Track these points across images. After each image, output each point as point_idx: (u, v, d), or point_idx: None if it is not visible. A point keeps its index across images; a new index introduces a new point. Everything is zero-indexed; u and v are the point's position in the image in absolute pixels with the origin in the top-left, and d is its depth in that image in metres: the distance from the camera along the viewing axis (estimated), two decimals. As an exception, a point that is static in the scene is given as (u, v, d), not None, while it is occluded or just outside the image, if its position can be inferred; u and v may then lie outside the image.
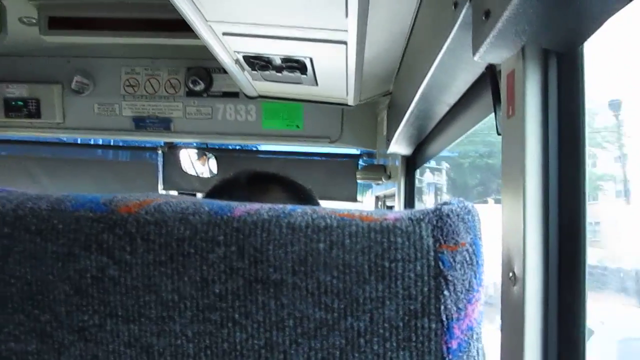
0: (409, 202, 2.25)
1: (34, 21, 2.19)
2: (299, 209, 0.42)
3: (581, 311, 0.74)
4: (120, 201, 0.43)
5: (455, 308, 0.40)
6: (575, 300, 0.74)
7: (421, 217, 0.41)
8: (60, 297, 0.42)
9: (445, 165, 4.13)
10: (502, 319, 0.83)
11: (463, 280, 0.40)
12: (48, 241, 0.42)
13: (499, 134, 1.00)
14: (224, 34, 1.64)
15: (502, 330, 0.83)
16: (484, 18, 0.75)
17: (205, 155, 2.97)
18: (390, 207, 2.67)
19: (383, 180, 2.64)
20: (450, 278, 0.40)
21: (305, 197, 0.92)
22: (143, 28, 2.13)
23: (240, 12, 1.49)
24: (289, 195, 0.90)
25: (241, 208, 0.42)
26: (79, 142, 3.35)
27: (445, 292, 0.40)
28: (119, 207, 0.42)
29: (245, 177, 0.90)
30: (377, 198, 2.98)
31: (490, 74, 1.03)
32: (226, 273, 0.40)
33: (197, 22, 1.54)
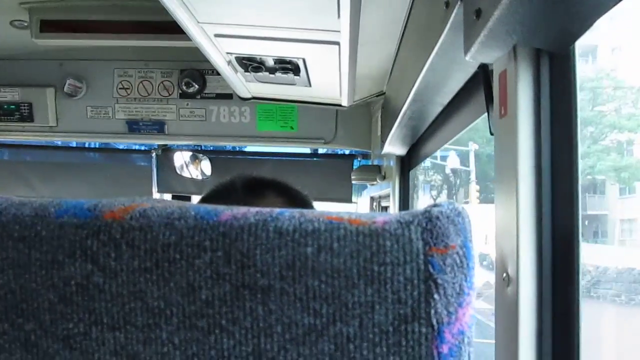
0: (404, 202, 2.25)
1: (26, 24, 2.18)
2: (287, 212, 0.41)
3: (575, 312, 0.73)
4: (105, 207, 0.42)
5: (445, 312, 0.39)
6: (570, 300, 0.74)
7: (410, 219, 0.40)
8: (45, 305, 0.41)
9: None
10: (495, 319, 0.83)
11: (453, 283, 0.39)
12: (32, 248, 0.41)
13: (491, 134, 1.00)
14: (216, 35, 1.64)
15: (496, 331, 0.82)
16: (475, 18, 0.75)
17: (200, 157, 2.96)
18: (386, 208, 2.66)
19: (378, 180, 2.64)
20: (440, 282, 0.39)
21: (301, 202, 0.92)
22: (135, 30, 2.12)
23: (232, 14, 1.48)
24: (284, 200, 0.90)
25: (228, 212, 0.41)
26: (72, 145, 3.33)
27: (436, 296, 0.39)
28: (103, 213, 0.42)
29: (241, 182, 0.90)
30: (372, 199, 2.98)
31: (483, 74, 1.03)
32: (213, 279, 0.40)
33: (188, 24, 1.54)
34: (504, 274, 0.79)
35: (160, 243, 0.40)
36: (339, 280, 0.39)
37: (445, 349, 0.39)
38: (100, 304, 0.40)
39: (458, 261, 0.40)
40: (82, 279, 0.41)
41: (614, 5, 0.62)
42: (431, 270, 0.39)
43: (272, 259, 0.39)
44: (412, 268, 0.39)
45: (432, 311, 0.39)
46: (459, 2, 0.85)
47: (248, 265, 0.39)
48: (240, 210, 0.42)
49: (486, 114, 1.05)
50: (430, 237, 0.39)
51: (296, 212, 0.42)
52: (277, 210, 0.42)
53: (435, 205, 0.41)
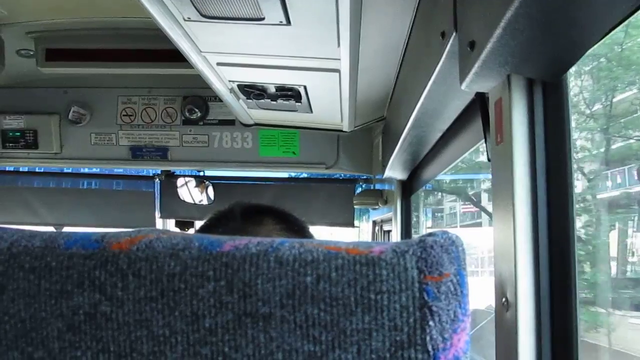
0: (406, 226, 2.26)
1: (32, 53, 2.22)
2: (287, 242, 0.43)
3: (574, 336, 0.74)
4: (112, 238, 0.44)
5: (441, 338, 0.40)
6: (568, 324, 0.75)
7: (405, 249, 0.42)
8: (54, 334, 0.42)
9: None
10: (496, 344, 0.83)
11: (448, 310, 0.41)
12: (42, 278, 0.43)
13: (489, 159, 1.02)
14: (218, 64, 1.67)
15: (496, 355, 0.83)
16: (469, 49, 0.77)
17: (203, 183, 2.98)
18: (388, 232, 2.67)
19: (380, 205, 2.65)
20: (435, 309, 0.40)
21: (299, 228, 0.93)
22: (139, 59, 2.16)
23: (234, 43, 1.51)
24: (283, 227, 0.91)
25: (230, 243, 0.43)
26: (76, 171, 3.36)
27: (431, 323, 0.40)
28: (111, 244, 0.43)
29: (240, 210, 0.91)
30: (375, 223, 2.99)
31: (480, 102, 1.05)
32: (216, 307, 0.41)
33: (191, 53, 1.57)
34: (503, 299, 0.80)
35: (166, 273, 0.42)
36: (337, 308, 0.40)
37: None
38: (108, 332, 0.42)
39: (452, 288, 0.41)
40: (90, 308, 0.42)
41: (603, 37, 0.65)
42: (426, 297, 0.40)
43: (273, 288, 0.41)
44: (407, 296, 0.40)
45: (428, 337, 0.40)
46: (454, 33, 0.87)
47: (250, 294, 0.41)
48: (242, 240, 0.43)
49: (483, 140, 1.07)
50: (424, 265, 0.41)
51: (296, 242, 0.43)
52: (277, 240, 0.43)
53: (430, 235, 0.43)
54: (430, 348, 0.40)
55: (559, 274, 0.75)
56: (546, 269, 0.76)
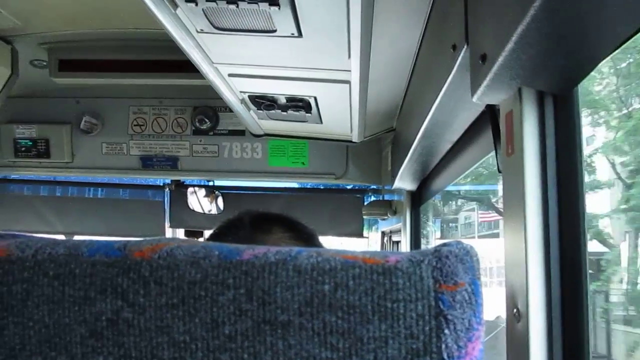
0: (415, 237, 2.26)
1: (45, 64, 2.25)
2: (304, 251, 0.44)
3: (585, 347, 0.74)
4: (134, 246, 0.45)
5: (456, 346, 0.41)
6: (579, 335, 0.75)
7: (421, 258, 0.43)
8: (77, 340, 0.43)
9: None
10: (507, 355, 0.84)
11: (463, 319, 0.42)
12: (65, 285, 0.44)
13: (499, 171, 1.02)
14: (230, 75, 1.68)
15: (507, 366, 0.83)
16: (480, 62, 0.78)
17: (212, 192, 3.00)
18: (397, 242, 2.68)
19: (389, 215, 2.66)
20: (450, 317, 0.41)
21: (307, 236, 0.93)
22: (150, 69, 2.18)
23: (245, 54, 1.53)
24: (291, 235, 0.91)
25: (249, 251, 0.44)
26: (87, 180, 3.38)
27: (446, 331, 0.41)
28: (132, 252, 0.44)
29: (249, 218, 0.92)
30: (384, 233, 2.99)
31: (490, 113, 1.06)
32: (235, 315, 0.42)
33: (203, 64, 1.58)
34: (515, 310, 0.80)
35: (186, 281, 0.43)
36: (354, 316, 0.41)
37: None
38: (129, 339, 0.43)
39: (467, 298, 0.42)
40: (112, 315, 0.43)
41: (614, 51, 0.65)
42: (441, 306, 0.41)
43: (292, 296, 0.42)
44: (423, 304, 0.41)
45: (443, 346, 0.41)
46: (465, 46, 0.88)
47: (269, 301, 0.42)
48: (260, 249, 0.44)
49: (494, 151, 1.08)
50: (440, 275, 0.42)
51: (313, 251, 0.44)
52: (295, 249, 0.44)
53: (444, 245, 0.44)
54: (445, 356, 0.41)
55: (570, 285, 0.76)
56: (557, 280, 0.77)
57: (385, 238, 2.96)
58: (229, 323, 0.42)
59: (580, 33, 0.64)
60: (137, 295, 0.43)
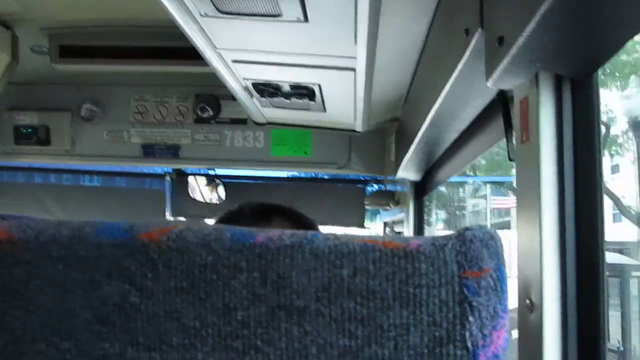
0: (418, 228, 2.25)
1: (45, 50, 2.22)
2: (321, 235, 0.42)
3: (601, 339, 0.73)
4: (142, 228, 0.43)
5: (480, 335, 0.39)
6: (595, 328, 0.73)
7: (444, 242, 0.40)
8: (81, 325, 0.41)
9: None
10: (519, 348, 0.82)
11: (488, 306, 0.40)
12: (70, 268, 0.42)
13: (510, 159, 1.00)
14: (234, 61, 1.66)
15: (519, 358, 0.82)
16: (497, 45, 0.75)
17: (214, 182, 2.98)
18: (399, 234, 2.66)
19: (391, 206, 2.64)
20: (475, 304, 0.39)
21: (308, 226, 0.95)
22: (152, 56, 2.16)
23: (250, 40, 1.50)
24: (292, 225, 0.93)
25: (263, 234, 0.42)
26: (87, 168, 3.36)
27: (471, 319, 0.39)
28: (140, 234, 0.42)
29: (250, 209, 0.93)
30: (386, 224, 2.97)
31: (501, 100, 1.03)
32: (249, 300, 0.40)
33: (206, 50, 1.56)
34: (527, 301, 0.78)
35: (197, 264, 0.41)
36: (374, 302, 0.39)
37: None
38: (137, 324, 0.41)
39: (492, 284, 0.40)
40: (119, 299, 0.41)
41: (638, 33, 0.63)
42: (466, 292, 0.39)
43: (308, 281, 0.40)
44: (447, 290, 0.39)
45: (467, 334, 0.39)
46: (479, 30, 0.86)
47: (284, 286, 0.40)
48: (275, 232, 0.42)
49: (504, 139, 1.05)
50: (464, 260, 0.40)
51: (330, 235, 0.42)
52: (311, 232, 0.42)
53: (467, 229, 0.42)
54: (469, 344, 0.39)
55: (587, 275, 0.74)
56: (573, 270, 0.75)
57: (387, 229, 2.95)
58: (241, 308, 0.40)
59: (605, 13, 0.62)
60: (145, 279, 0.41)
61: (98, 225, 0.44)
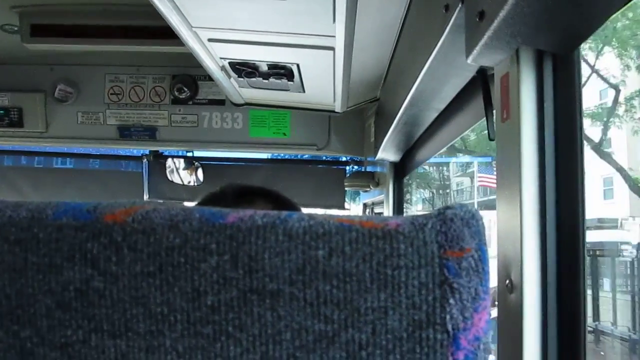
0: (398, 209, 2.24)
1: (16, 29, 2.15)
2: (296, 215, 0.40)
3: (581, 320, 0.72)
4: (106, 209, 0.40)
5: (461, 317, 0.38)
6: (575, 308, 0.72)
7: (424, 222, 0.39)
8: (42, 311, 0.39)
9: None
10: (498, 328, 0.81)
11: (469, 288, 0.38)
12: (28, 251, 0.39)
13: (491, 139, 0.99)
14: (210, 40, 1.62)
15: (498, 340, 0.81)
16: (477, 19, 0.74)
17: (192, 164, 2.94)
18: (379, 214, 2.65)
19: (371, 187, 2.63)
20: (456, 286, 0.38)
21: (290, 209, 0.93)
22: (127, 35, 2.10)
23: (226, 18, 1.47)
24: (274, 208, 0.91)
25: (234, 214, 0.40)
26: (62, 151, 3.30)
27: (451, 301, 0.38)
28: (104, 215, 0.40)
29: (231, 191, 0.92)
30: (365, 205, 2.97)
31: (481, 78, 1.02)
32: (219, 283, 0.38)
33: (182, 28, 1.52)
34: (507, 281, 0.77)
35: (164, 246, 0.38)
36: (351, 285, 0.37)
37: (460, 356, 0.38)
38: (101, 310, 0.39)
39: (473, 265, 0.38)
40: (81, 284, 0.39)
41: (622, 7, 0.62)
42: (446, 273, 0.38)
43: (282, 263, 0.38)
44: (427, 272, 0.38)
45: (448, 317, 0.37)
46: (459, 5, 0.84)
47: (256, 269, 0.38)
48: (247, 212, 0.40)
49: (484, 118, 1.04)
50: (445, 239, 0.38)
51: (305, 214, 0.40)
52: (285, 212, 0.40)
53: (448, 207, 0.40)
54: (450, 328, 0.37)
55: (567, 255, 0.73)
56: (553, 250, 0.74)
57: (367, 210, 2.94)
58: (211, 293, 0.38)
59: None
60: (108, 263, 0.39)
61: (59, 207, 0.41)
